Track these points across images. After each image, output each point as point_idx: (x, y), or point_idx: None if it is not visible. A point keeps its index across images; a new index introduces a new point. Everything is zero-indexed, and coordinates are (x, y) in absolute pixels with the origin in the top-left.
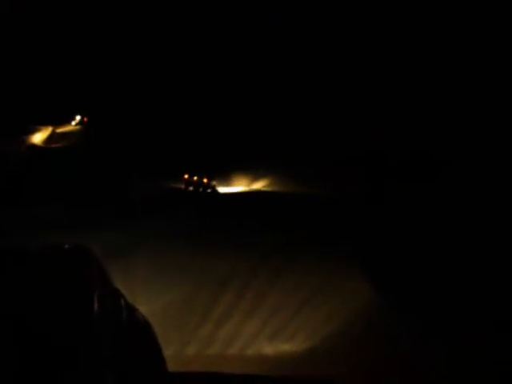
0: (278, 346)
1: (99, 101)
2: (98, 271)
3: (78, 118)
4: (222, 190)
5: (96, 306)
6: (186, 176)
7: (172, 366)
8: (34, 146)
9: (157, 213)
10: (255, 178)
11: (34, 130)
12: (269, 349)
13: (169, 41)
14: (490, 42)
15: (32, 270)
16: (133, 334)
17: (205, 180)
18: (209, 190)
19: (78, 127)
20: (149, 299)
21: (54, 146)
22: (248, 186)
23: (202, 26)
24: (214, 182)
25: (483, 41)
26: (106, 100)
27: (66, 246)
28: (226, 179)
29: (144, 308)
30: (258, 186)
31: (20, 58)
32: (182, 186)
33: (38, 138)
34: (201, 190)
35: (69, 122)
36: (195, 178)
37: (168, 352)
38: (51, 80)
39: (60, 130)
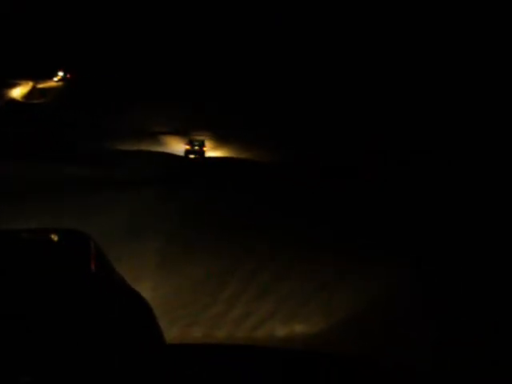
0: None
1: (84, 57)
2: (95, 254)
3: (61, 73)
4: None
5: (92, 288)
6: (188, 147)
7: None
8: (13, 101)
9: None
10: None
11: (13, 85)
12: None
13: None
14: (489, 42)
15: (29, 253)
16: (130, 317)
17: (204, 148)
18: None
19: (60, 83)
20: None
21: (34, 101)
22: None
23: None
24: (204, 148)
25: (483, 41)
26: (90, 57)
27: (63, 230)
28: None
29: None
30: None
31: (8, 12)
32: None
33: (18, 92)
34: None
35: (51, 78)
36: (196, 147)
37: (173, 333)
38: (33, 33)
39: (41, 85)
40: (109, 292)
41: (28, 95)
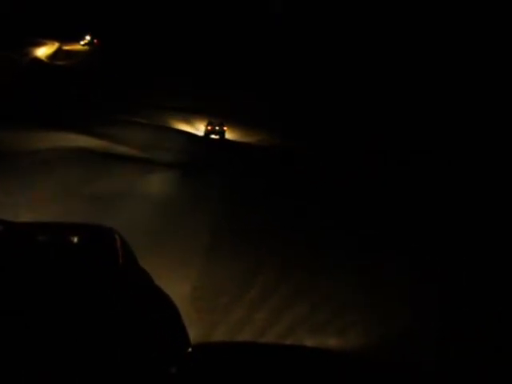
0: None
1: (113, 25)
2: (122, 250)
3: (88, 38)
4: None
5: (118, 282)
6: (210, 127)
7: None
8: (38, 60)
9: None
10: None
11: (39, 44)
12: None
13: None
14: (489, 42)
15: (55, 250)
16: (153, 311)
17: (225, 128)
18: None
19: (86, 47)
20: None
21: (58, 63)
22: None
23: None
24: (224, 128)
25: (483, 41)
26: (120, 25)
27: (92, 226)
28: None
29: None
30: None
31: None
32: (203, 134)
33: (43, 52)
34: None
35: (77, 41)
36: (217, 127)
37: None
38: None
39: (67, 47)
40: (134, 290)
41: (53, 56)
